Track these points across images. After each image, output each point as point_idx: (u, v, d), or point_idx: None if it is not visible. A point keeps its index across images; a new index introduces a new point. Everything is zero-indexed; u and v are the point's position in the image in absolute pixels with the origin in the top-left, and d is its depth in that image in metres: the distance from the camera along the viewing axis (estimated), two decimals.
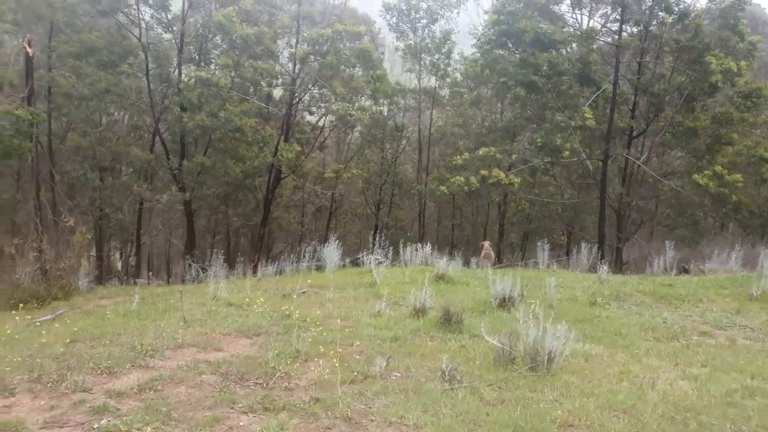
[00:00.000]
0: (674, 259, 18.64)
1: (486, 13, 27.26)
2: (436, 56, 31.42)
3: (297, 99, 26.03)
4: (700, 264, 19.43)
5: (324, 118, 29.34)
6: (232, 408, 6.07)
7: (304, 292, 13.71)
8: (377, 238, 20.47)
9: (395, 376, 7.33)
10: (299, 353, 7.99)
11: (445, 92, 33.65)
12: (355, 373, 7.16)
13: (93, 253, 30.63)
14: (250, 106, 24.08)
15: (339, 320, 10.43)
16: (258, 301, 11.14)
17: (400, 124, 34.20)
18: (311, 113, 29.18)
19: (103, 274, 27.40)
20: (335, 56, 23.46)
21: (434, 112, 34.63)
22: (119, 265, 24.02)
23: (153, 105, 24.69)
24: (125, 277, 23.37)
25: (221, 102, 22.65)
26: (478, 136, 31.15)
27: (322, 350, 7.68)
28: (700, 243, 26.28)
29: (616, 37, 23.88)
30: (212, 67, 24.76)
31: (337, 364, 6.91)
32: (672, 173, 26.28)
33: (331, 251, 18.32)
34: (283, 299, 12.78)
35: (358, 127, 32.25)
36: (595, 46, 26.01)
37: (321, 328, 9.46)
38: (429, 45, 31.36)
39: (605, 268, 15.01)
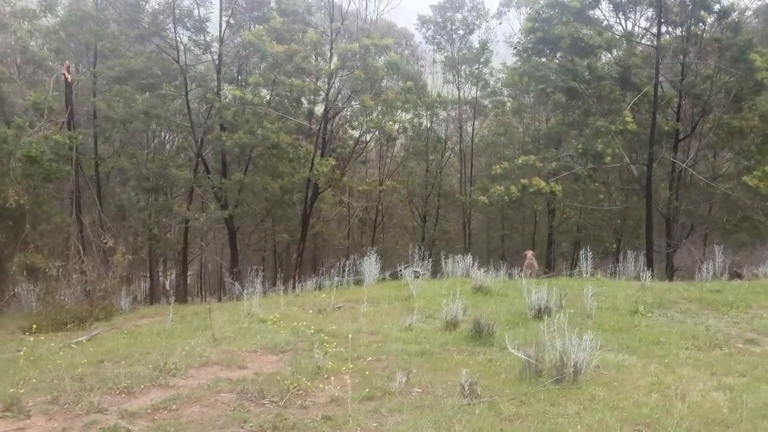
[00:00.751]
0: (725, 263, 17.91)
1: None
2: (475, 67, 31.15)
3: (332, 114, 26.05)
4: (754, 268, 18.68)
5: (362, 132, 29.32)
6: (242, 427, 6.01)
7: (339, 307, 13.63)
8: (419, 251, 20.21)
9: (415, 391, 7.17)
10: (320, 369, 7.88)
11: (487, 102, 33.29)
12: (369, 390, 7.02)
13: (147, 273, 31.34)
14: (290, 123, 24.23)
15: (368, 335, 10.36)
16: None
17: (443, 136, 34.03)
18: (353, 128, 29.21)
19: (154, 294, 27.95)
20: (363, 70, 23.35)
21: (476, 122, 34.34)
22: (168, 284, 24.33)
23: (193, 125, 25.05)
24: (173, 297, 23.68)
25: (258, 119, 22.88)
26: (523, 144, 30.76)
27: (345, 366, 7.58)
28: (758, 247, 25.31)
29: (655, 39, 23.22)
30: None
31: (348, 381, 6.78)
32: (722, 176, 25.40)
33: (370, 265, 18.24)
34: (317, 315, 12.74)
35: (401, 140, 32.22)
36: (639, 50, 25.46)
37: (349, 343, 9.37)
38: (467, 56, 31.10)
39: (648, 274, 14.50)
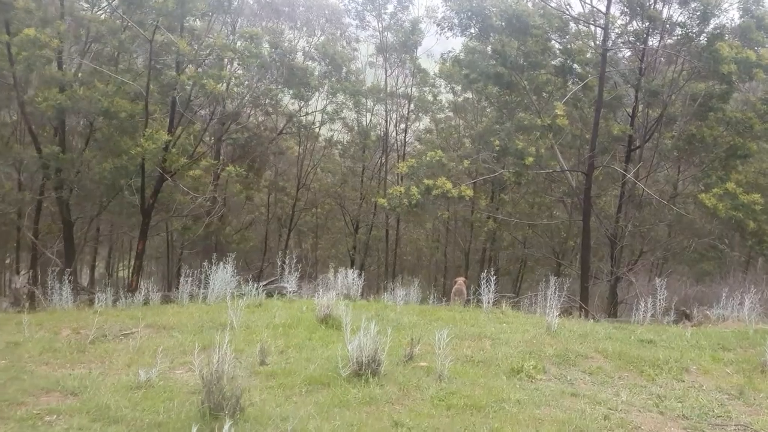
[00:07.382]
0: (672, 300, 14.09)
1: None
2: (404, 53, 26.93)
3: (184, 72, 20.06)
4: (707, 308, 15.05)
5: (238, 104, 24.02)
6: None
7: (125, 334, 9.68)
8: (288, 260, 15.81)
9: None
10: None
11: (417, 92, 29.01)
12: None
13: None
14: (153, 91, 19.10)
15: (63, 396, 6.51)
16: None
17: (380, 133, 30.18)
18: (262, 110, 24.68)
19: None
20: None
21: (413, 118, 30.47)
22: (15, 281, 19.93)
23: (16, 79, 18.68)
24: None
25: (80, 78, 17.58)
26: (460, 146, 27.02)
27: None
28: (718, 281, 21.65)
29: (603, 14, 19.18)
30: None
31: None
32: (678, 194, 21.75)
33: (222, 276, 14.14)
34: (68, 345, 8.77)
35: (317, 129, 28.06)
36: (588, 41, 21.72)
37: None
38: (395, 39, 26.56)
39: (556, 313, 10.60)
